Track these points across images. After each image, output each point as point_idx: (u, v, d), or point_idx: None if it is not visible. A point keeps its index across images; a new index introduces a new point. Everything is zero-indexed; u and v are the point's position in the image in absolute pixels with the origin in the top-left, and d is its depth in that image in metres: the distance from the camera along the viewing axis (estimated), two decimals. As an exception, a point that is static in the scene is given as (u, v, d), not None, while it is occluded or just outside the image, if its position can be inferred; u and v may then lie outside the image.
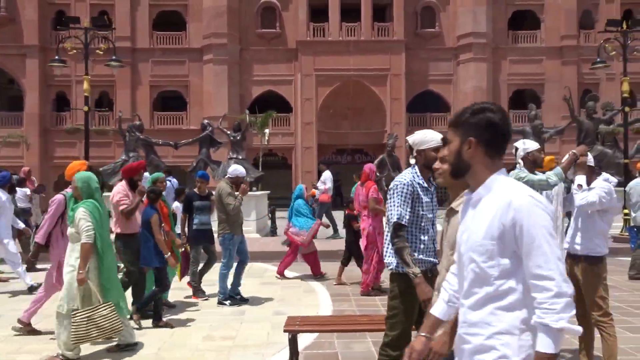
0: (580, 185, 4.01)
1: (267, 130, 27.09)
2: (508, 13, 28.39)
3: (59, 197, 5.26)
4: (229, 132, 16.89)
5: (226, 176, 6.86)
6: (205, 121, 15.56)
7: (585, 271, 3.97)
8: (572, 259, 4.11)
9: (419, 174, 3.23)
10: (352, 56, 26.63)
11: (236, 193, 6.54)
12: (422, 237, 3.24)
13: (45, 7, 27.28)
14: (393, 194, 3.20)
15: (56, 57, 11.84)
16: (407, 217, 3.15)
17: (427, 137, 3.25)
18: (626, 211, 12.35)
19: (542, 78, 27.97)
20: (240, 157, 16.24)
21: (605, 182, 4.07)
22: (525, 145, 4.25)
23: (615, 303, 6.09)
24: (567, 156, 4.11)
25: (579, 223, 4.10)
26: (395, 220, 3.13)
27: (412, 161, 3.29)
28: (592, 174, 4.12)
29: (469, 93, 27.14)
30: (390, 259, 3.29)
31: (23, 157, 26.48)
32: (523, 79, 28.14)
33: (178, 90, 27.82)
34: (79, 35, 11.70)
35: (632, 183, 8.57)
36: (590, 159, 4.14)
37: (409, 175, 3.23)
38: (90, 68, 24.22)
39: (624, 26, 11.88)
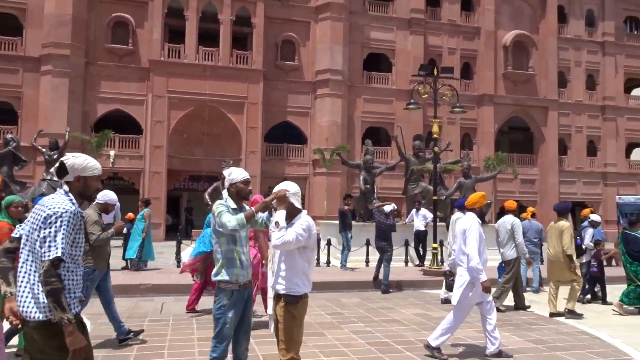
0: (277, 223, 3.70)
1: (112, 152, 25.18)
2: (363, 54, 29.84)
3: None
4: (44, 150, 15.18)
5: (94, 202, 5.90)
6: (9, 135, 13.83)
7: (282, 310, 3.76)
8: (277, 297, 3.89)
9: (74, 201, 2.86)
10: (208, 81, 25.95)
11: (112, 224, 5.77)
12: (79, 273, 2.88)
13: None
14: (56, 221, 2.67)
15: None
16: (67, 251, 2.73)
17: (90, 163, 2.93)
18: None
19: (392, 118, 29.60)
20: (56, 179, 14.58)
21: (305, 218, 3.81)
22: (231, 175, 3.96)
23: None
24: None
25: (280, 261, 3.85)
26: (59, 254, 2.63)
27: (66, 187, 2.87)
28: (294, 210, 3.85)
29: (325, 127, 27.81)
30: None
31: None
32: (375, 117, 29.56)
33: (8, 102, 24.83)
34: None
35: (500, 220, 8.53)
36: (296, 193, 3.86)
37: (68, 203, 2.78)
38: None
39: (435, 72, 12.75)
